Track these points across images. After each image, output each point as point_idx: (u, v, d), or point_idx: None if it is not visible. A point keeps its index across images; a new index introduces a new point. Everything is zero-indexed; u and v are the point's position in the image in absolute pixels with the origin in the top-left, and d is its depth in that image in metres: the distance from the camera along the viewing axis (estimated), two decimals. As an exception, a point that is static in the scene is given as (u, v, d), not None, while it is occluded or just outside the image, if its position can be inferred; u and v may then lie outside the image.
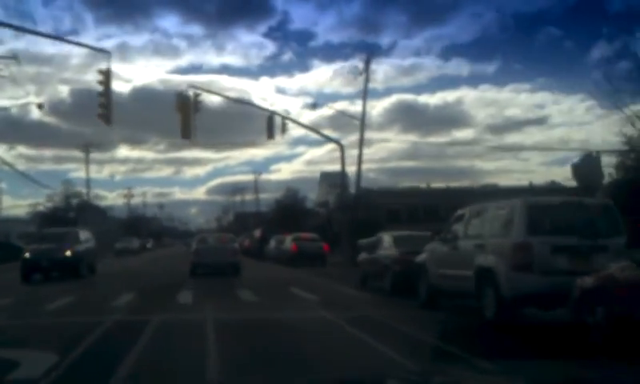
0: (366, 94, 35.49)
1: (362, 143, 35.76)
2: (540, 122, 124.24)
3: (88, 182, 76.08)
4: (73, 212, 63.27)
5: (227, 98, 37.77)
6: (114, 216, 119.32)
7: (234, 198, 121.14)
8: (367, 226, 37.29)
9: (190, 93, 27.33)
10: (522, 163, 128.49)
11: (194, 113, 27.76)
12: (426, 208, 57.95)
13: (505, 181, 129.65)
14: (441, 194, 62.68)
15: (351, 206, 38.10)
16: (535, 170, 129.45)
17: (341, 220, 40.44)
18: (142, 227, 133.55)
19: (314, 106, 37.77)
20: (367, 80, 35.01)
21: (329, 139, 36.52)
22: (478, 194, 62.74)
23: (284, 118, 32.05)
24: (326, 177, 72.73)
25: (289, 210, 63.97)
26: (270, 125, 32.10)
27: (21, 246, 38.04)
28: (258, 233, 47.22)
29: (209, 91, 28.27)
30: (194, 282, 25.21)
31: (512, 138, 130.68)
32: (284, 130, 31.71)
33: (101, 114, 23.94)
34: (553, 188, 64.13)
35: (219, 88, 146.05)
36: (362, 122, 35.12)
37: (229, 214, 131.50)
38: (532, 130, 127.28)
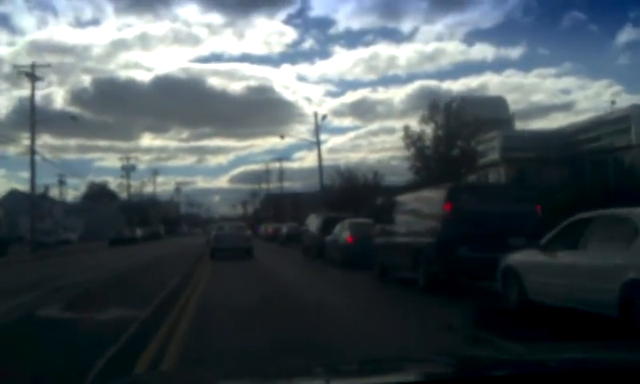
0: None
1: None
2: (566, 107, 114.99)
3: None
4: None
5: None
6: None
7: (262, 185, 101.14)
8: None
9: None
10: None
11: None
12: None
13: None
14: None
15: None
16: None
17: None
18: (152, 213, 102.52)
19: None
20: None
21: None
22: None
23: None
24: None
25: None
26: None
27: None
28: (438, 207, 12.89)
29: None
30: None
31: (537, 124, 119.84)
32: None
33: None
34: None
35: (241, 76, 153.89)
36: None
37: (256, 199, 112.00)
38: (557, 115, 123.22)
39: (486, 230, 12.05)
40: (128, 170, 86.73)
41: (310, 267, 21.89)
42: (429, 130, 27.08)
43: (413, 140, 27.39)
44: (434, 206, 12.81)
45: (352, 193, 52.51)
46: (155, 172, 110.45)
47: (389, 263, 15.91)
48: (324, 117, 48.42)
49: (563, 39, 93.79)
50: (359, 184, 55.95)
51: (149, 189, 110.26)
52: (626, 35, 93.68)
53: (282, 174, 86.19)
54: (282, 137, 58.93)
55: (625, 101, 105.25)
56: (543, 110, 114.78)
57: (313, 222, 28.80)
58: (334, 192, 53.41)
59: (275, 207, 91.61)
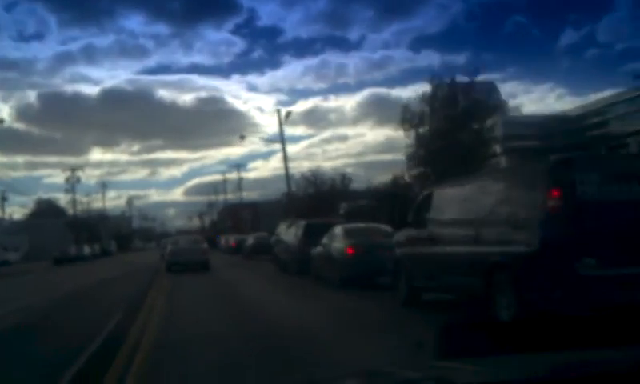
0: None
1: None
2: (511, 111, 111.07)
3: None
4: None
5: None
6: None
7: (220, 196, 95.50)
8: None
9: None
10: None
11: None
12: None
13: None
14: None
15: None
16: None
17: None
18: (103, 229, 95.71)
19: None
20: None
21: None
22: None
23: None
24: None
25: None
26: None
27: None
28: (534, 195, 7.61)
29: None
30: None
31: None
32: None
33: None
34: None
35: (190, 87, 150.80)
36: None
37: (213, 210, 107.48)
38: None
39: (622, 229, 7.28)
40: (73, 184, 79.48)
41: (298, 290, 16.67)
42: (427, 111, 21.77)
43: (413, 123, 22.09)
44: (522, 193, 7.89)
45: (320, 198, 48.53)
46: (104, 185, 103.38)
47: (425, 283, 10.97)
48: (288, 114, 43.18)
49: (506, 44, 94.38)
50: (326, 189, 52.16)
51: (100, 204, 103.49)
52: (566, 38, 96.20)
53: (240, 182, 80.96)
54: (243, 137, 53.17)
55: (569, 103, 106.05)
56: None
57: (289, 231, 23.71)
58: (300, 198, 48.89)
59: (233, 217, 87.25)
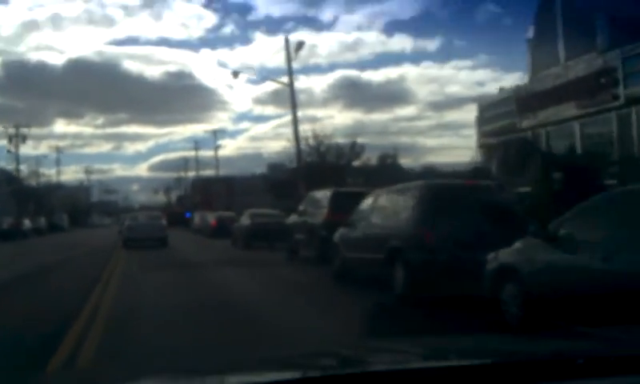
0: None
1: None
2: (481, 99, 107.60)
3: None
4: None
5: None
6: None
7: (189, 172, 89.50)
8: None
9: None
10: (463, 140, 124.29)
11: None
12: None
13: (446, 158, 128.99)
14: None
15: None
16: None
17: None
18: (56, 201, 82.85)
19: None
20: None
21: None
22: None
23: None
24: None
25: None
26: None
27: None
28: None
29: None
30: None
31: (452, 116, 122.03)
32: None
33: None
34: None
35: (158, 61, 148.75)
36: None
37: (181, 185, 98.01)
38: (472, 107, 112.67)
39: None
40: (17, 143, 65.98)
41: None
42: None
43: None
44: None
45: (325, 169, 38.45)
46: (59, 150, 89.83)
47: None
48: (300, 44, 30.26)
49: (478, 32, 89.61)
50: (332, 159, 42.27)
51: (62, 177, 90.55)
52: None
53: (217, 149, 69.92)
54: (236, 75, 38.82)
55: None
56: (458, 102, 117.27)
57: (364, 208, 11.90)
58: (303, 169, 37.42)
59: (204, 192, 76.56)
